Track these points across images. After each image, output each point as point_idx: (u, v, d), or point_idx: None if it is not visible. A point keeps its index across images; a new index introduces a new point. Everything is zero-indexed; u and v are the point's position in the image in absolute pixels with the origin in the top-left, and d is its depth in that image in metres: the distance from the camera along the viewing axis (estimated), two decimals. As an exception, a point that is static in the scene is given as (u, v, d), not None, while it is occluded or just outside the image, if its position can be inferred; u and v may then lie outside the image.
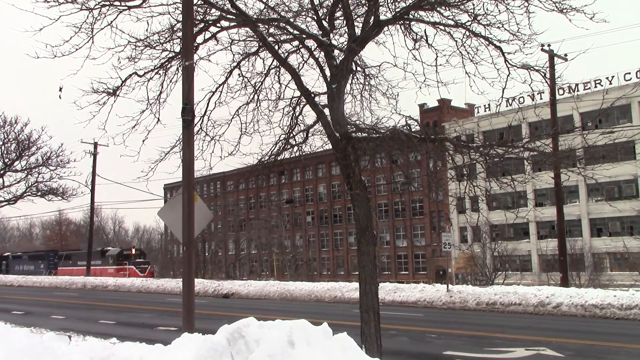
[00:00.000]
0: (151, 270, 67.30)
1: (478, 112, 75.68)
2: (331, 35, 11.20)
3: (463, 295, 27.88)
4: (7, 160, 42.29)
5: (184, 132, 10.69)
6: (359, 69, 11.97)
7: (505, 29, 10.27)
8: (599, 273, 55.96)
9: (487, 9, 10.35)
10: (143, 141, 11.74)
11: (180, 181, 10.80)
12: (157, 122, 11.84)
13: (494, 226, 59.48)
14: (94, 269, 62.53)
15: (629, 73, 64.82)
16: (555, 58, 29.51)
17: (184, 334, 8.29)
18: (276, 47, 11.57)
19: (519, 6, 10.24)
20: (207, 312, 25.42)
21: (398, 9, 10.90)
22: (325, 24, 11.32)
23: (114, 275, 61.94)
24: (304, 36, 11.25)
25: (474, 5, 10.45)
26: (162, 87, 11.68)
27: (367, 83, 12.02)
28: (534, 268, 68.59)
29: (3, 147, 42.12)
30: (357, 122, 11.46)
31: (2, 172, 42.25)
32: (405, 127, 10.73)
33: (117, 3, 10.64)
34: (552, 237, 62.62)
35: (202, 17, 11.44)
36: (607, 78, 65.09)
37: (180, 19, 10.75)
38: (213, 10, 11.33)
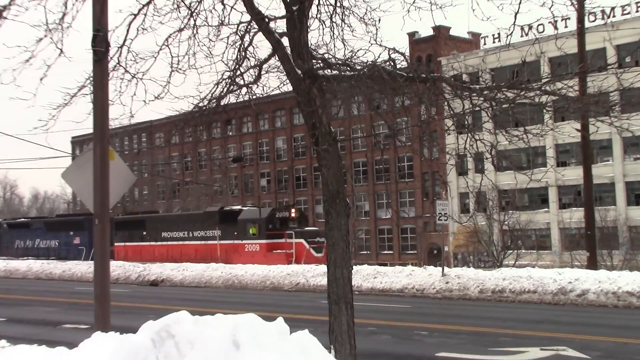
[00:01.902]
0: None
1: (485, 44, 75.99)
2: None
3: (462, 281, 28.39)
4: None
5: (95, 67, 10.52)
6: (328, -16, 11.89)
7: None
8: (637, 252, 57.21)
9: None
10: (41, 79, 11.52)
11: (91, 133, 10.67)
12: (60, 55, 11.62)
13: (503, 192, 60.40)
14: (207, 245, 50.97)
15: (680, -6, 65.60)
16: (586, -27, 29.68)
17: (95, 334, 8.31)
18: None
19: None
20: (129, 304, 25.45)
21: None
22: None
23: (261, 258, 46.26)
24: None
25: None
26: (66, 6, 11.44)
27: (338, 4, 11.95)
28: (553, 245, 69.97)
29: None
30: (326, 55, 11.41)
31: None
32: (388, 63, 10.72)
33: None
34: (577, 205, 63.79)
35: None
36: (651, 0, 65.79)
37: None
38: None
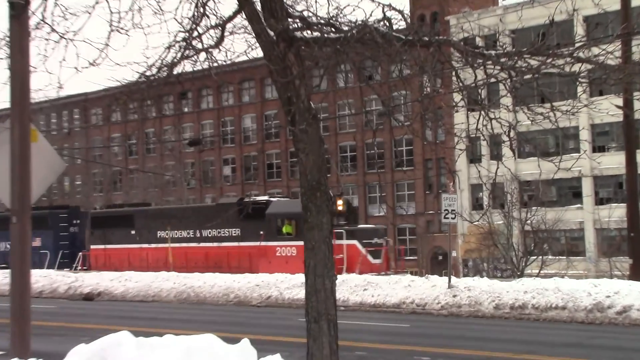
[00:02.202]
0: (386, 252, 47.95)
1: (504, 0, 76.06)
2: None
3: (474, 294, 28.49)
4: None
5: (12, 24, 10.43)
6: None
7: None
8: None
9: None
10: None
11: (7, 108, 10.61)
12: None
13: (525, 184, 60.57)
14: (223, 248, 48.46)
15: None
16: None
17: (13, 361, 8.26)
18: None
19: None
20: (57, 323, 25.38)
21: None
22: None
23: (299, 265, 39.15)
24: None
25: None
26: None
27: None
28: (588, 250, 70.28)
29: None
30: (305, 13, 11.40)
31: None
32: (382, 23, 10.72)
33: None
34: (618, 201, 64.08)
35: None
36: None
37: None
38: None
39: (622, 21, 28.08)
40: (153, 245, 51.43)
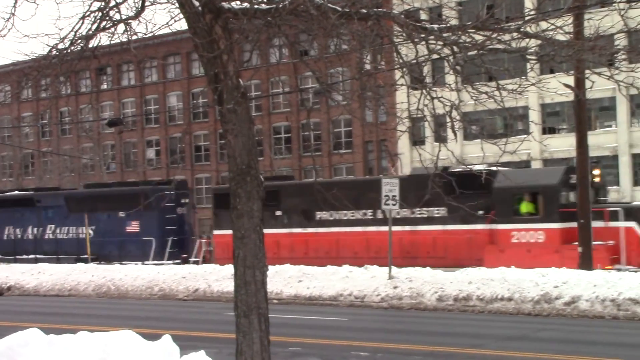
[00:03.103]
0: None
1: (449, -31, 76.41)
2: None
3: (416, 285, 28.72)
4: None
5: None
6: None
7: None
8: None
9: None
10: None
11: None
12: None
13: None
14: (421, 233, 40.48)
15: None
16: None
17: None
18: None
19: None
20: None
21: None
22: None
23: (551, 256, 35.18)
24: None
25: None
26: None
27: None
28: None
29: None
30: (233, -19, 11.35)
31: None
32: (317, -7, 10.72)
33: None
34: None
35: None
36: None
37: None
38: None
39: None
40: (313, 230, 43.86)
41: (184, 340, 16.61)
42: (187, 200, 51.67)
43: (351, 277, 31.17)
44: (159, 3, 11.85)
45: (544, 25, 10.91)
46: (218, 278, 33.76)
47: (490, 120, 61.31)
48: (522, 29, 10.60)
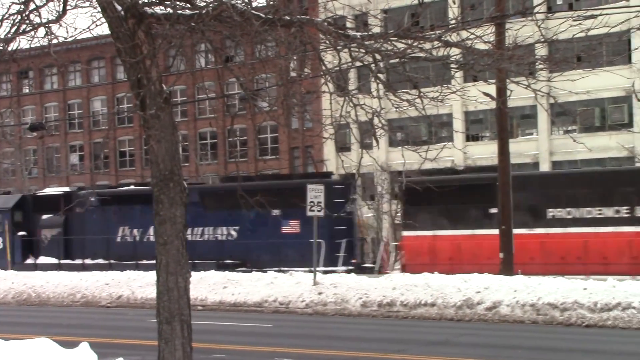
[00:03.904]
0: None
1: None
2: None
3: (340, 291, 28.81)
4: None
5: None
6: None
7: None
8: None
9: None
10: None
11: None
12: None
13: (397, 174, 61.33)
14: None
15: None
16: None
17: None
18: None
19: None
20: None
21: None
22: None
23: None
24: None
25: None
26: None
27: None
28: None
29: None
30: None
31: None
32: (241, 0, 10.74)
33: None
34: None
35: None
36: None
37: None
38: None
39: (496, 4, 28.67)
40: (540, 230, 37.77)
41: (105, 348, 16.49)
42: (355, 197, 45.11)
43: (276, 283, 31.17)
44: (81, 7, 11.78)
45: (466, 34, 11.04)
46: (142, 284, 33.50)
47: (415, 127, 61.87)
48: (443, 38, 10.72)
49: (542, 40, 10.85)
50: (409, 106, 10.76)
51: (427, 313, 26.41)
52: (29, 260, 48.21)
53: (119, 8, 10.68)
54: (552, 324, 24.21)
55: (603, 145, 60.15)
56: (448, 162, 54.59)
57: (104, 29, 11.80)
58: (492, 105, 36.82)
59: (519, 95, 13.35)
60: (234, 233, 44.21)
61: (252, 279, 32.18)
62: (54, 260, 46.98)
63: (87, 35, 12.39)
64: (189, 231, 43.84)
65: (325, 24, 10.96)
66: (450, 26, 11.26)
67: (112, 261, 45.40)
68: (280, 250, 42.06)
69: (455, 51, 11.10)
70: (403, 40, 10.55)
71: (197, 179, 73.05)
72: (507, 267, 30.15)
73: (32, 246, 49.38)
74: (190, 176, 68.29)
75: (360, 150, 11.68)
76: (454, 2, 13.92)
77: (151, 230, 40.21)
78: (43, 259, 47.70)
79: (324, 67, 11.29)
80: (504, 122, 32.36)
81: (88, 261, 45.71)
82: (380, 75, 10.84)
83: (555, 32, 10.59)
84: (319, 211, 30.92)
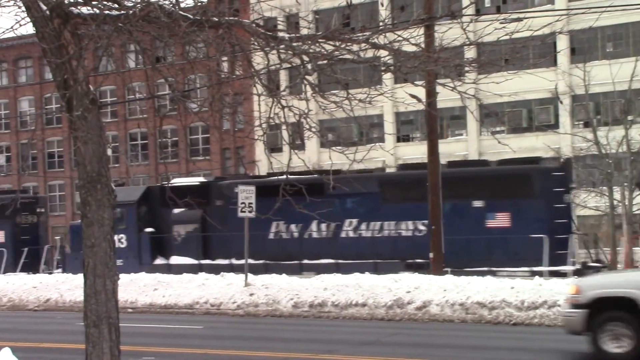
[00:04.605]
0: None
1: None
2: None
3: (272, 292, 28.84)
4: None
5: None
6: None
7: None
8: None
9: None
10: None
11: None
12: None
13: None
14: None
15: None
16: None
17: None
18: None
19: None
20: None
21: None
22: None
23: None
24: None
25: None
26: None
27: None
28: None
29: None
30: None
31: None
32: (169, 1, 10.71)
33: None
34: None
35: None
36: None
37: None
38: None
39: (424, 6, 28.83)
40: None
41: (30, 352, 16.35)
42: (574, 185, 40.50)
43: (207, 284, 31.07)
44: (4, 6, 11.64)
45: (395, 36, 11.10)
46: (71, 287, 33.12)
47: (346, 128, 62.10)
48: (370, 40, 10.77)
49: (468, 42, 10.97)
50: (337, 108, 10.81)
51: (358, 313, 26.52)
52: (159, 261, 42.99)
53: (44, 8, 10.57)
54: (480, 322, 24.49)
55: (530, 146, 60.94)
56: (379, 163, 54.90)
57: (28, 29, 11.68)
58: (422, 106, 37.05)
59: (448, 96, 13.50)
60: (422, 228, 37.71)
61: (182, 281, 32.06)
62: (190, 261, 41.58)
63: (10, 34, 12.25)
64: (364, 226, 37.64)
65: (254, 25, 10.96)
66: (378, 28, 11.32)
67: (266, 261, 39.01)
68: (485, 247, 36.97)
69: (384, 53, 11.18)
70: (331, 42, 10.58)
71: (128, 181, 72.56)
72: (437, 267, 30.42)
73: (162, 245, 43.94)
74: (120, 177, 67.77)
75: (289, 152, 11.72)
76: (382, 4, 14.01)
77: (314, 226, 39.80)
78: (176, 259, 42.42)
79: (252, 69, 11.30)
80: (434, 124, 32.65)
81: (234, 261, 39.19)
82: (309, 77, 10.88)
83: (481, 35, 10.71)
84: (250, 212, 30.87)
